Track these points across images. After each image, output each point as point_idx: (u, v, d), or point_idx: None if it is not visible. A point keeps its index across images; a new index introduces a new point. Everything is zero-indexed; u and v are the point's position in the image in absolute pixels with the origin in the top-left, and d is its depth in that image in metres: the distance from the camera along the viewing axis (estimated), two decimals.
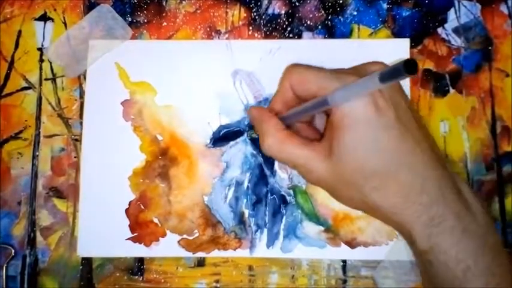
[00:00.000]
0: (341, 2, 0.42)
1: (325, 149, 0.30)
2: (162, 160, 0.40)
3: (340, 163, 0.29)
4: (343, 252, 0.39)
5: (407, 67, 0.22)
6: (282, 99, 0.34)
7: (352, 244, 0.39)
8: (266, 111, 0.34)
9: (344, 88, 0.28)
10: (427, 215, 0.28)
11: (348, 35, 0.42)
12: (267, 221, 0.40)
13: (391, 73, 0.24)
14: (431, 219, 0.28)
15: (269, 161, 0.40)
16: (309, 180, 0.32)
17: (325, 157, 0.29)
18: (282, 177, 0.39)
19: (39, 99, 0.41)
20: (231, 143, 0.40)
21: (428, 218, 0.28)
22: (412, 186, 0.28)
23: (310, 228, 0.39)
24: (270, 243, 0.39)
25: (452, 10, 0.42)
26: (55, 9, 0.43)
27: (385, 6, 0.42)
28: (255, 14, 0.42)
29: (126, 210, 0.40)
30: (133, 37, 0.42)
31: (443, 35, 0.42)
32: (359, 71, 0.29)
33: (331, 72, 0.30)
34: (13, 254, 0.39)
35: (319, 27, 0.42)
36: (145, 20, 0.42)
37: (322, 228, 0.39)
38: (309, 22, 0.42)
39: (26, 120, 0.41)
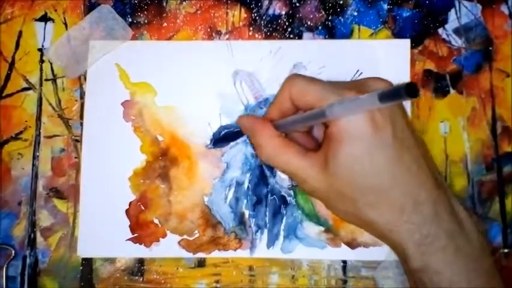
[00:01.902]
0: (341, 2, 0.42)
1: (321, 160, 0.29)
2: (163, 161, 0.40)
3: (335, 176, 0.29)
4: (343, 252, 0.39)
5: (409, 90, 0.22)
6: (279, 108, 0.33)
7: (352, 244, 0.39)
8: (258, 119, 0.34)
9: (342, 102, 0.27)
10: (420, 233, 0.28)
11: (348, 35, 0.42)
12: (267, 222, 0.40)
13: (392, 94, 0.23)
14: (425, 238, 0.28)
15: None
16: (304, 189, 0.32)
17: (321, 169, 0.29)
18: (283, 178, 0.39)
19: (40, 99, 0.41)
20: (232, 143, 0.40)
21: (421, 237, 0.28)
22: (406, 205, 0.28)
23: (310, 229, 0.39)
24: (270, 243, 0.39)
25: (452, 11, 0.42)
26: (55, 10, 0.43)
27: (385, 6, 0.42)
28: (255, 14, 0.42)
29: (127, 211, 0.40)
30: (134, 38, 0.42)
31: (444, 36, 0.42)
32: (359, 87, 0.29)
33: (331, 85, 0.30)
34: (13, 254, 0.39)
35: (320, 27, 0.42)
36: (146, 21, 0.42)
37: (322, 228, 0.39)
38: (309, 23, 0.42)
39: (26, 121, 0.41)
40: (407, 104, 0.40)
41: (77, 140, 0.41)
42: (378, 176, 0.28)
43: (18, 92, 0.42)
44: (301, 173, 0.30)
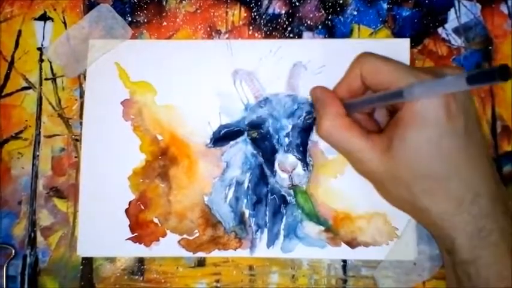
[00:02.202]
0: (341, 2, 0.42)
1: (383, 143, 0.29)
2: (162, 160, 0.40)
3: (396, 159, 0.28)
4: (343, 252, 0.39)
5: (501, 72, 0.22)
6: (348, 86, 0.32)
7: (352, 244, 0.39)
8: (331, 93, 0.33)
9: (424, 83, 0.27)
10: (475, 226, 0.28)
11: (348, 34, 0.42)
12: (267, 221, 0.40)
13: (482, 76, 0.23)
14: (479, 231, 0.28)
15: (269, 161, 0.40)
16: (358, 170, 0.31)
17: (383, 151, 0.29)
18: (282, 177, 0.39)
19: (40, 99, 0.41)
20: (231, 142, 0.40)
21: (475, 229, 0.28)
22: (465, 196, 0.28)
23: (310, 228, 0.39)
24: (270, 243, 0.39)
25: (452, 10, 0.42)
26: (55, 9, 0.43)
27: (385, 6, 0.42)
28: (255, 13, 0.42)
29: (126, 210, 0.40)
30: (133, 37, 0.42)
31: (444, 35, 0.42)
32: (434, 72, 0.29)
33: (407, 66, 0.30)
34: (13, 254, 0.39)
35: (320, 27, 0.42)
36: (145, 20, 0.42)
37: (322, 228, 0.39)
38: (309, 22, 0.42)
39: (26, 120, 0.41)
40: None
41: (77, 140, 0.41)
42: (443, 163, 0.28)
43: (17, 91, 0.42)
44: (361, 153, 0.30)
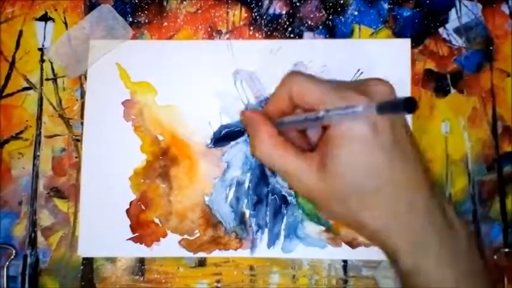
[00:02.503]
0: (342, 2, 0.42)
1: (317, 160, 0.29)
2: (163, 160, 0.40)
3: (331, 177, 0.29)
4: (344, 252, 0.39)
5: (407, 105, 0.23)
6: (277, 106, 0.33)
7: (353, 244, 0.39)
8: (260, 115, 0.33)
9: (339, 109, 0.27)
10: (414, 235, 0.28)
11: (348, 35, 0.42)
12: (267, 221, 0.40)
13: (389, 107, 0.24)
14: (416, 239, 0.28)
15: None
16: (298, 191, 0.32)
17: (318, 169, 0.29)
18: None
19: (40, 99, 0.41)
20: (232, 143, 0.40)
21: (414, 239, 0.28)
22: (400, 207, 0.28)
23: (311, 228, 0.39)
24: (271, 243, 0.39)
25: (453, 10, 0.42)
26: (56, 10, 0.43)
27: (386, 6, 0.42)
28: (255, 14, 0.42)
29: (127, 211, 0.40)
30: (134, 37, 0.42)
31: (444, 35, 0.42)
32: (360, 88, 0.29)
33: (332, 86, 0.30)
34: (14, 254, 0.39)
35: (320, 27, 0.42)
36: (146, 20, 0.42)
37: (323, 228, 0.39)
38: (309, 22, 0.42)
39: (27, 121, 0.41)
40: None
41: (78, 140, 0.41)
42: (374, 177, 0.28)
43: (18, 91, 0.42)
44: (297, 173, 0.30)
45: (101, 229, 0.40)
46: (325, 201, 0.30)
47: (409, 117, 0.40)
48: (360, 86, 0.29)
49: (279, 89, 0.32)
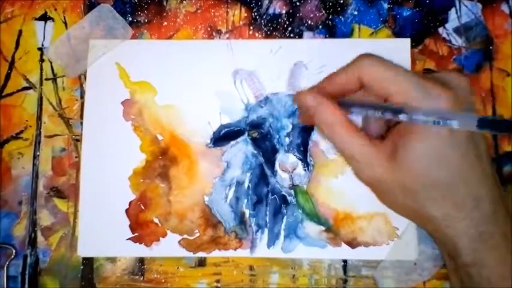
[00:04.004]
0: (342, 1, 0.42)
1: (388, 150, 0.29)
2: (162, 160, 0.40)
3: (402, 168, 0.28)
4: (343, 252, 0.39)
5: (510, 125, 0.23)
6: (341, 84, 0.31)
7: (352, 244, 0.39)
8: (323, 97, 0.31)
9: (435, 112, 0.27)
10: (477, 229, 0.28)
11: (348, 34, 0.42)
12: (267, 221, 0.40)
13: (491, 124, 0.24)
14: (480, 235, 0.28)
15: (270, 161, 0.40)
16: (361, 177, 0.31)
17: (388, 159, 0.29)
18: (283, 177, 0.39)
19: (40, 99, 0.41)
20: (232, 142, 0.40)
21: (477, 233, 0.28)
22: (467, 201, 0.28)
23: (310, 228, 0.39)
24: (271, 243, 0.39)
25: (453, 10, 0.42)
26: (55, 9, 0.43)
27: (385, 6, 0.42)
28: (255, 13, 0.42)
29: (127, 210, 0.40)
30: (134, 37, 0.42)
31: (444, 35, 0.42)
32: (438, 80, 0.28)
33: (412, 75, 0.29)
34: (14, 254, 0.39)
35: (320, 27, 0.42)
36: (146, 20, 0.42)
37: (322, 228, 0.39)
38: (309, 22, 0.42)
39: (26, 120, 0.41)
40: None
41: (77, 140, 0.41)
42: (447, 171, 0.28)
43: (18, 91, 0.42)
44: (365, 160, 0.29)
45: (101, 229, 0.40)
46: (390, 192, 0.30)
47: None
48: (436, 78, 0.29)
49: (346, 70, 0.31)
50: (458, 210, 0.28)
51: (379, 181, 0.30)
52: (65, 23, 0.42)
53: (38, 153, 0.41)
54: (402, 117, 0.28)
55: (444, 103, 0.27)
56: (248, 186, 0.40)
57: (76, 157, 0.41)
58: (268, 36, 0.42)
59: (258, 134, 0.40)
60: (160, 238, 0.39)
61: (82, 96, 0.41)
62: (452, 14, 0.42)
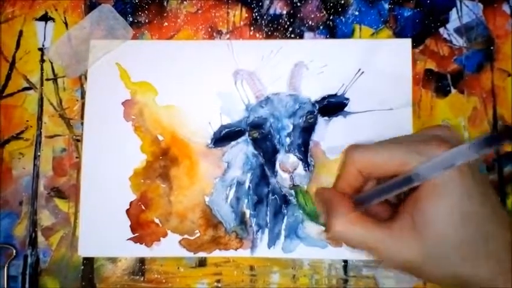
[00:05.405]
0: (343, 2, 0.42)
1: (404, 226, 0.28)
2: (163, 160, 0.40)
3: (425, 238, 0.27)
4: (344, 252, 0.39)
5: (508, 133, 0.22)
6: (349, 183, 0.31)
7: None
8: (337, 193, 0.31)
9: (430, 162, 0.27)
10: (505, 269, 0.27)
11: (349, 35, 0.42)
12: (268, 221, 0.40)
13: (490, 141, 0.24)
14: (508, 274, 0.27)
15: (270, 161, 0.40)
16: (390, 265, 0.30)
17: (407, 235, 0.28)
18: (284, 178, 0.39)
19: (41, 99, 0.41)
20: (232, 143, 0.40)
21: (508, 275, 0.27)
22: (501, 253, 0.27)
23: (311, 228, 0.39)
24: (271, 243, 0.39)
25: (454, 10, 0.42)
26: (56, 9, 0.43)
27: (386, 6, 0.42)
28: (256, 14, 0.42)
29: (127, 211, 0.40)
30: (135, 37, 0.42)
31: (445, 35, 0.42)
32: (424, 138, 0.28)
33: (400, 146, 0.29)
34: (14, 254, 0.40)
35: (321, 27, 0.42)
36: (147, 20, 0.42)
37: (323, 228, 0.39)
38: (310, 22, 0.42)
39: (27, 121, 0.41)
40: (408, 104, 0.40)
41: (78, 140, 0.41)
42: (469, 226, 0.27)
43: (19, 91, 0.42)
44: (384, 246, 0.28)
45: (101, 229, 0.40)
46: (424, 267, 0.28)
47: (409, 117, 0.40)
48: (421, 137, 0.29)
49: (344, 168, 0.31)
50: (496, 265, 0.27)
51: (408, 261, 0.28)
52: (66, 24, 0.42)
53: (38, 153, 0.41)
54: (416, 180, 0.27)
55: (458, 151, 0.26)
56: (249, 187, 0.40)
57: (77, 157, 0.41)
58: (269, 36, 0.42)
59: (259, 134, 0.40)
60: (161, 238, 0.39)
61: (83, 97, 0.41)
62: (453, 14, 0.42)
